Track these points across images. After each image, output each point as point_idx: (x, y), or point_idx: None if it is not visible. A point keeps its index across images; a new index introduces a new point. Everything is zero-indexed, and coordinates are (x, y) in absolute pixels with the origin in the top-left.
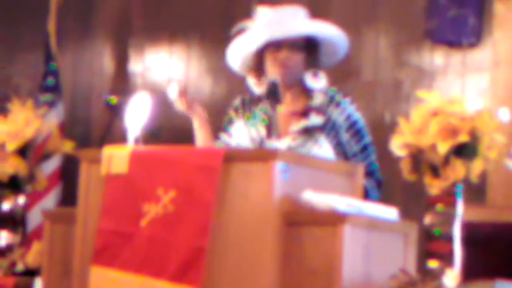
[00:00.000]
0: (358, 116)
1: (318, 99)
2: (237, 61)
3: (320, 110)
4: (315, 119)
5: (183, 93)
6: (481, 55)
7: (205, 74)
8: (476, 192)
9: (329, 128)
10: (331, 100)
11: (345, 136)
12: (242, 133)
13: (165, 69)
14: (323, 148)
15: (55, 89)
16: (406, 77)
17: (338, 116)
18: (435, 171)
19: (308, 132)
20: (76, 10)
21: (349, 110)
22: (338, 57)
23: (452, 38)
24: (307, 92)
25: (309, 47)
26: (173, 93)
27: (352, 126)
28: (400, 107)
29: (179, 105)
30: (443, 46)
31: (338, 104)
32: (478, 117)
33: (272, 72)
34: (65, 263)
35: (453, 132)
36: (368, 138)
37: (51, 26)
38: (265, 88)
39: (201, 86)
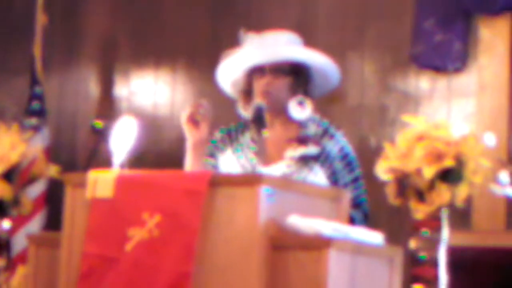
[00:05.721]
0: (350, 148)
1: (311, 130)
2: (227, 85)
3: (316, 140)
4: (312, 149)
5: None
6: (466, 80)
7: (191, 99)
8: (461, 216)
9: (323, 158)
10: (325, 131)
11: (338, 166)
12: (231, 162)
13: (151, 94)
14: (318, 176)
15: (40, 113)
16: (392, 101)
17: (332, 147)
18: (421, 196)
19: (304, 160)
20: (62, 34)
21: (342, 142)
22: (330, 85)
23: (437, 63)
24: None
25: (296, 72)
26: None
27: (345, 157)
28: (386, 132)
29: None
30: (428, 71)
31: (332, 136)
32: (463, 142)
33: (258, 97)
34: (50, 287)
35: (438, 156)
36: (358, 171)
37: (37, 50)
38: (251, 113)
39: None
